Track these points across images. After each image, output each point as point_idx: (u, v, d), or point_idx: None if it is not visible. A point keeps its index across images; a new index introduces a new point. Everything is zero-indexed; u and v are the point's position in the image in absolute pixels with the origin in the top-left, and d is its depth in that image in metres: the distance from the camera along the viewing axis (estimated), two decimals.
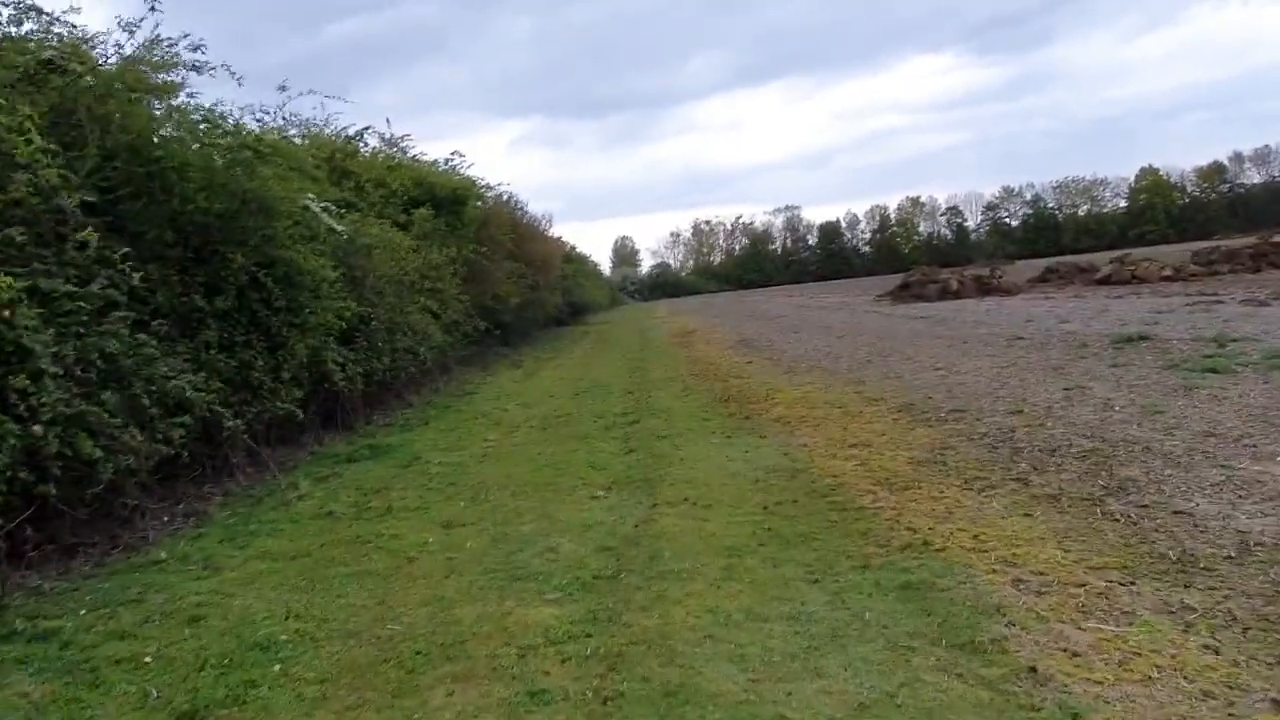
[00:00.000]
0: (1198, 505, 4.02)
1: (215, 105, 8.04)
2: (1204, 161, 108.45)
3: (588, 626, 3.43)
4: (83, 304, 5.09)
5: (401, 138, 18.91)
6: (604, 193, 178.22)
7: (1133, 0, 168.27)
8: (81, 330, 5.21)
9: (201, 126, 7.48)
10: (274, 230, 7.81)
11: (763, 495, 5.20)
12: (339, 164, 15.29)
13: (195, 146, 7.27)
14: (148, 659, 3.63)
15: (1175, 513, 3.96)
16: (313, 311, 8.19)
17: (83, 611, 4.29)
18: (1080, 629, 2.93)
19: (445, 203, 17.41)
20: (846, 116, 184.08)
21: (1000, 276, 22.86)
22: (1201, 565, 3.35)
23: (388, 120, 23.22)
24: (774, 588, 3.64)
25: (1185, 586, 3.19)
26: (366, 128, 17.36)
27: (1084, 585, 3.28)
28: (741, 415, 8.20)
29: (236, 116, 8.40)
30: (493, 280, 19.82)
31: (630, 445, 7.26)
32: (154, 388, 5.71)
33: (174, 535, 5.70)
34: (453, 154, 20.07)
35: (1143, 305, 14.52)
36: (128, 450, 5.33)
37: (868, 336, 14.54)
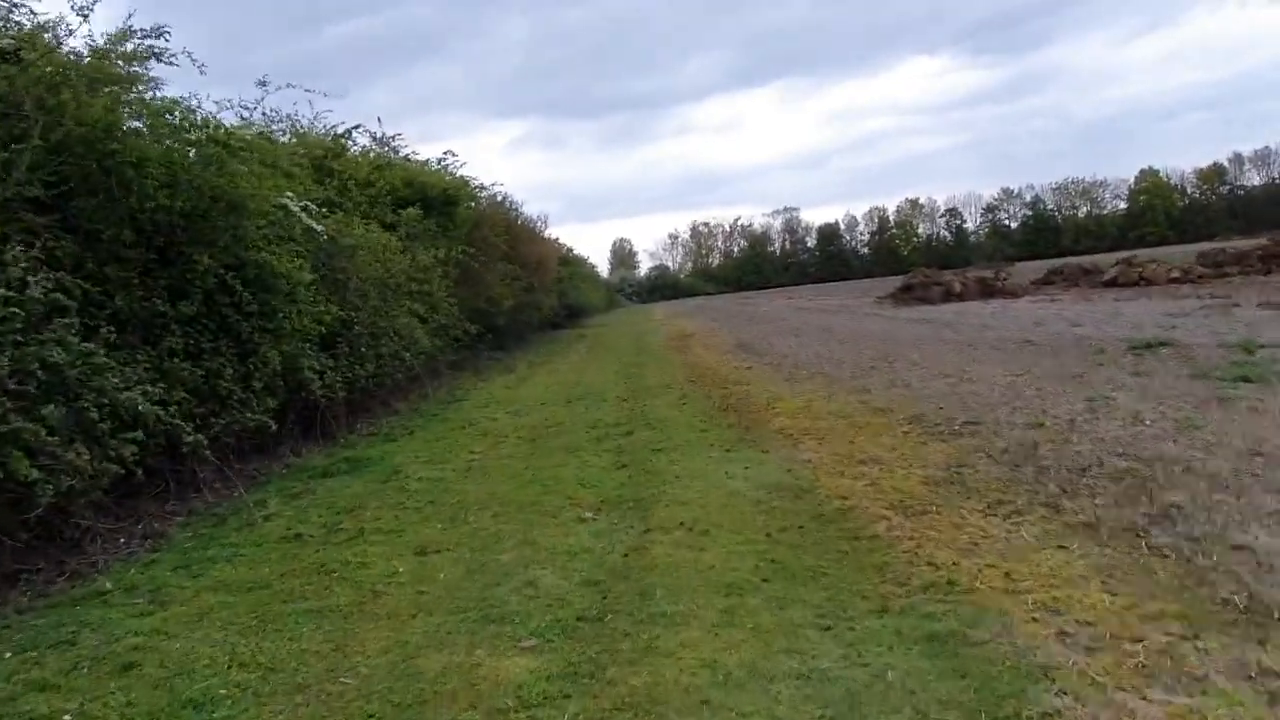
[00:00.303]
0: (1257, 539, 3.57)
1: (186, 98, 7.57)
2: (1202, 163, 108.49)
3: (566, 684, 2.98)
4: (17, 310, 4.62)
5: (393, 137, 18.52)
6: (602, 194, 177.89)
7: (1129, 2, 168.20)
8: (19, 338, 4.76)
9: (168, 118, 7.04)
10: (245, 230, 7.36)
11: (765, 519, 4.75)
12: (325, 163, 14.87)
13: (167, 141, 6.85)
14: (67, 717, 3.19)
15: (1234, 548, 3.51)
16: (287, 316, 7.74)
17: (7, 654, 3.84)
18: (1145, 699, 2.48)
19: (436, 203, 16.98)
20: (844, 118, 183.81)
21: (1005, 278, 22.40)
22: (1276, 616, 2.90)
23: (379, 119, 22.67)
24: (780, 636, 3.19)
25: (1260, 643, 2.75)
26: (356, 126, 16.95)
27: (1141, 640, 2.83)
28: (741, 426, 7.75)
29: (210, 110, 7.98)
30: (486, 283, 19.39)
31: (623, 459, 6.81)
32: (105, 400, 5.25)
33: (126, 561, 5.25)
34: (445, 153, 19.62)
35: (1155, 308, 14.09)
36: (72, 470, 4.88)
37: (871, 341, 14.09)
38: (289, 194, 9.23)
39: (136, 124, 6.92)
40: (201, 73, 7.26)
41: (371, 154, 17.03)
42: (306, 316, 8.05)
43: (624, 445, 7.41)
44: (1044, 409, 6.59)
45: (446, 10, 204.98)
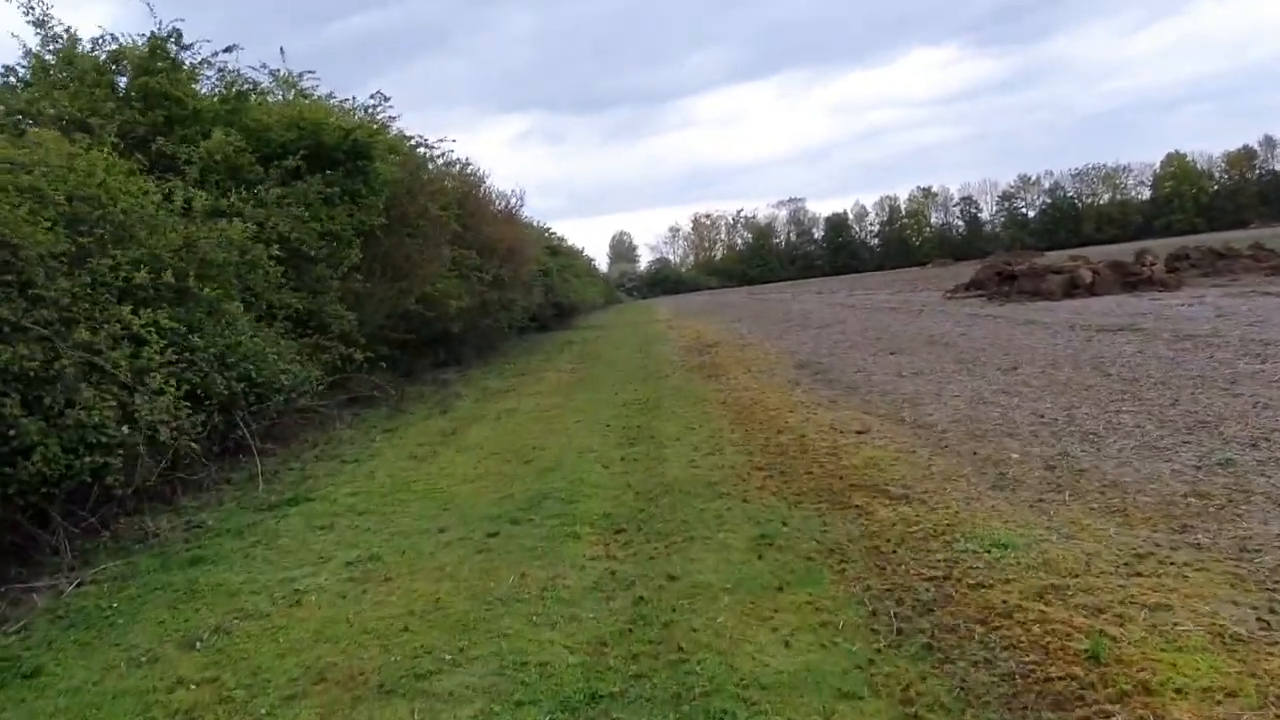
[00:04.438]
0: None
1: None
2: (1221, 150, 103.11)
3: None
4: None
5: (301, 75, 12.88)
6: (604, 189, 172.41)
7: None
8: None
9: None
10: None
11: None
12: (151, 85, 9.09)
13: None
14: None
15: None
16: None
17: None
18: None
19: (337, 155, 10.98)
20: (847, 110, 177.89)
21: (1152, 264, 16.29)
22: None
23: (281, 49, 16.66)
24: None
25: None
26: (228, 48, 11.01)
27: None
28: None
29: None
30: (420, 275, 13.38)
31: None
32: None
33: None
34: (374, 95, 13.78)
35: None
36: None
37: (1062, 371, 7.99)
38: None
39: None
40: None
41: (245, 86, 11.17)
42: None
43: None
44: None
45: (450, 4, 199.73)
